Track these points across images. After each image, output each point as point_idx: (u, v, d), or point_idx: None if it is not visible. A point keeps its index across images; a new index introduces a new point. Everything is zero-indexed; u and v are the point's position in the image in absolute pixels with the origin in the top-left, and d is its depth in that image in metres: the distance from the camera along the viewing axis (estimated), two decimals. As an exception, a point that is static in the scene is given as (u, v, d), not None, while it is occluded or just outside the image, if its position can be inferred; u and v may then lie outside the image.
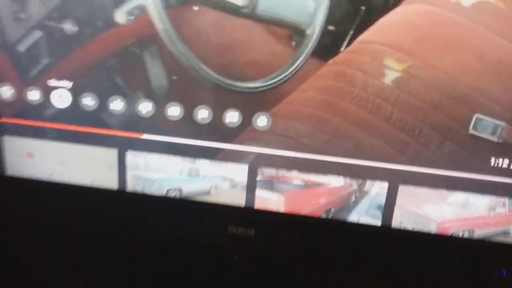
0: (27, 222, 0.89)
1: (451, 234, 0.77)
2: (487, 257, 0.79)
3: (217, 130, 0.76)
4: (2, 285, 0.89)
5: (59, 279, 0.88)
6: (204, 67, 0.72)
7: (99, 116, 0.79)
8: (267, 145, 0.76)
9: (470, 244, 0.77)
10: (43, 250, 0.91)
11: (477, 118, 0.69)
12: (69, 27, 0.74)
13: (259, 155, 0.77)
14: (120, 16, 0.72)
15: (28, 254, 0.91)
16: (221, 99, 0.74)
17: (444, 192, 0.74)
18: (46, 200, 0.86)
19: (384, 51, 0.69)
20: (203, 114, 0.76)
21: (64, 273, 0.88)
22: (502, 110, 0.69)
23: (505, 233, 0.76)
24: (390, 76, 0.70)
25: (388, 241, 0.79)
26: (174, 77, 0.74)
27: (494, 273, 0.79)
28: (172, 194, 0.82)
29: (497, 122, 0.69)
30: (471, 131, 0.70)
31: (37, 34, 0.75)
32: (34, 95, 0.79)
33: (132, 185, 0.82)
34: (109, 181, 0.83)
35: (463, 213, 0.76)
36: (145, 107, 0.77)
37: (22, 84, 0.78)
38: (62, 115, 0.79)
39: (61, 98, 0.78)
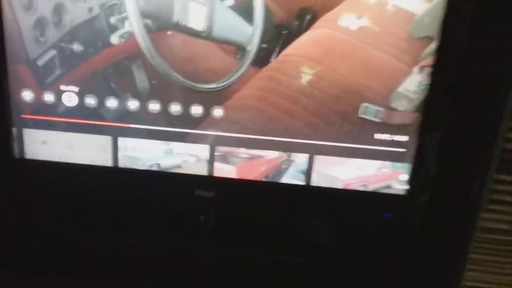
0: (41, 194, 1.13)
1: (352, 189, 1.04)
2: (378, 204, 1.06)
3: (185, 119, 1.01)
4: (18, 247, 1.12)
5: (64, 233, 1.12)
6: (175, 74, 0.98)
7: (97, 112, 1.02)
8: (222, 129, 1.02)
9: (366, 195, 1.04)
10: (53, 214, 1.15)
11: (364, 106, 0.97)
12: (76, 46, 0.98)
13: (216, 136, 1.02)
14: (114, 38, 0.96)
15: (41, 220, 1.15)
16: (188, 96, 1.00)
17: (345, 159, 1.02)
18: (56, 176, 1.10)
19: (300, 61, 0.95)
20: (175, 108, 1.01)
21: (69, 229, 1.12)
22: (381, 100, 0.96)
23: (389, 187, 1.04)
24: (305, 78, 0.96)
25: (308, 195, 1.06)
26: (154, 82, 0.99)
27: (384, 216, 1.06)
28: (152, 168, 1.07)
29: (378, 108, 0.97)
30: (360, 115, 0.97)
31: (52, 52, 0.98)
32: (48, 97, 1.02)
33: (122, 163, 1.07)
34: (105, 160, 1.07)
35: (359, 173, 1.03)
36: (132, 104, 1.01)
37: (39, 89, 1.02)
38: (69, 111, 1.03)
39: (69, 99, 1.02)
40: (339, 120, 0.98)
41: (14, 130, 1.05)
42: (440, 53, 0.90)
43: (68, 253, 1.12)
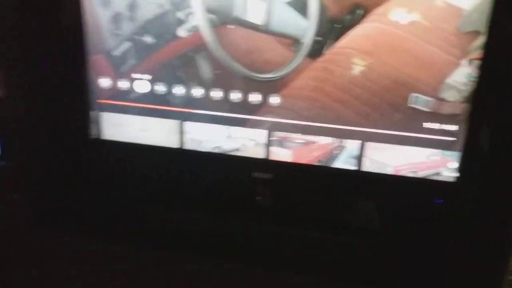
0: (115, 171, 1.24)
1: (402, 175, 1.08)
2: (427, 190, 1.09)
3: (245, 106, 1.09)
4: (94, 219, 1.23)
5: (134, 206, 1.22)
6: (236, 65, 1.05)
7: (166, 98, 1.11)
8: (278, 116, 1.08)
9: (415, 181, 1.08)
10: (125, 190, 1.25)
11: (414, 96, 1.00)
12: (147, 39, 1.07)
13: (273, 123, 1.09)
14: (181, 32, 1.05)
15: (114, 194, 1.26)
16: (248, 85, 1.06)
17: (396, 146, 1.06)
18: (129, 156, 1.20)
19: (353, 53, 1.00)
20: (235, 95, 1.08)
21: (138, 203, 1.22)
22: (431, 90, 0.99)
23: (438, 174, 1.07)
24: (357, 69, 1.00)
25: (359, 179, 1.10)
26: (217, 71, 1.06)
27: (433, 201, 1.09)
28: (214, 150, 1.15)
29: (428, 98, 1.00)
30: (410, 104, 1.01)
31: (127, 44, 1.08)
32: (122, 84, 1.12)
33: (188, 145, 1.16)
34: (172, 142, 1.16)
35: (409, 160, 1.06)
36: (197, 91, 1.10)
37: (115, 77, 1.12)
38: (141, 97, 1.12)
39: (141, 86, 1.11)
40: (389, 109, 1.01)
41: (92, 113, 1.16)
42: (488, 47, 0.92)
43: (137, 225, 1.22)
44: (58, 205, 1.28)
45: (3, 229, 1.26)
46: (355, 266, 1.13)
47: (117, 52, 1.10)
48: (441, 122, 1.02)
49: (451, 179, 1.06)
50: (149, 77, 1.10)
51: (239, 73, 1.05)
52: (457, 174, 1.06)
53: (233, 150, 1.14)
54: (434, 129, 1.02)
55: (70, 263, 1.26)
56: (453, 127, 1.02)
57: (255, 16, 1.00)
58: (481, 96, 0.97)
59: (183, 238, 1.18)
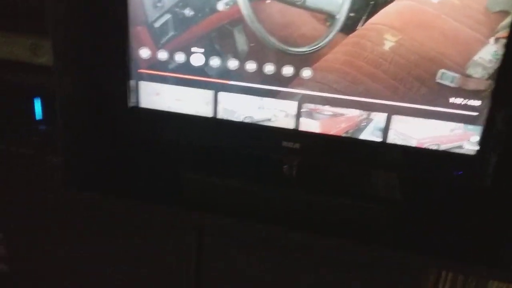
0: (152, 139, 1.28)
1: (425, 147, 1.12)
2: (449, 162, 1.12)
3: (278, 78, 1.12)
4: (132, 183, 1.28)
5: (169, 172, 1.27)
6: (271, 38, 1.09)
7: (203, 69, 1.15)
8: (309, 88, 1.12)
9: (438, 154, 1.11)
10: (161, 156, 1.30)
11: (441, 72, 1.04)
12: (187, 11, 1.10)
13: (304, 95, 1.13)
14: (220, 5, 1.08)
15: (150, 161, 1.30)
16: (281, 58, 1.10)
17: (421, 119, 1.09)
18: (165, 124, 1.24)
19: (384, 29, 1.03)
20: (269, 68, 1.12)
21: (173, 169, 1.27)
22: (457, 67, 1.03)
23: (460, 147, 1.10)
24: (388, 45, 1.04)
25: (385, 151, 1.14)
26: (252, 44, 1.10)
27: (454, 173, 1.13)
28: (246, 120, 1.19)
29: (454, 74, 1.03)
30: (437, 80, 1.04)
31: (167, 16, 1.11)
32: (162, 55, 1.16)
33: (221, 114, 1.20)
34: (207, 112, 1.20)
35: (433, 133, 1.10)
36: (232, 63, 1.13)
37: (155, 48, 1.16)
38: (179, 68, 1.16)
39: (179, 56, 1.15)
40: (417, 84, 1.05)
41: (131, 82, 1.20)
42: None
43: (171, 190, 1.27)
44: (96, 169, 1.33)
45: (43, 192, 1.31)
46: (377, 232, 1.17)
47: (158, 24, 1.13)
48: (465, 98, 1.05)
49: (472, 152, 1.09)
50: (187, 48, 1.13)
51: (274, 47, 1.09)
52: (478, 147, 1.08)
53: (264, 120, 1.17)
54: (458, 104, 1.06)
55: (106, 224, 1.32)
56: (477, 103, 1.05)
57: (293, -9, 1.03)
58: (506, 73, 1.00)
59: (215, 202, 1.22)
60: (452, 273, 1.20)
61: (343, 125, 1.14)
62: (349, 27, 1.04)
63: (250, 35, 1.09)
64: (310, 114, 1.15)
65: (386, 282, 1.18)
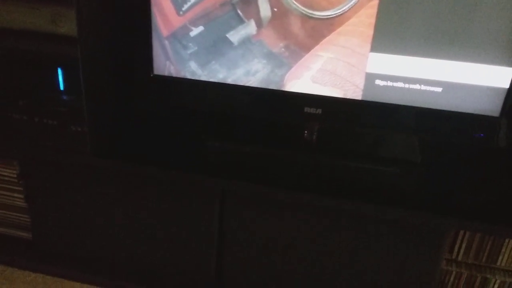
0: (174, 106, 1.24)
1: (445, 109, 1.08)
2: (470, 124, 1.08)
3: (301, 43, 1.08)
4: (155, 149, 1.24)
5: (192, 139, 1.23)
6: (295, 2, 1.03)
7: (225, 36, 1.11)
8: (333, 53, 1.08)
9: (459, 115, 1.07)
10: (187, 124, 1.26)
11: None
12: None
13: (327, 59, 1.08)
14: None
15: (173, 128, 1.26)
16: (305, 23, 1.05)
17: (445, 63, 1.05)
18: (188, 92, 1.20)
19: None
20: (293, 32, 1.07)
21: (196, 136, 1.23)
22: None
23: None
24: None
25: (404, 114, 1.10)
26: (275, 9, 1.05)
27: (475, 135, 1.09)
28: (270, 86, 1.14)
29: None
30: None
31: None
32: (184, 23, 1.11)
33: (242, 80, 1.15)
34: (231, 78, 1.15)
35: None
36: (255, 30, 1.08)
37: (177, 15, 1.10)
38: (201, 35, 1.11)
39: (201, 24, 1.10)
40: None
41: (154, 50, 1.15)
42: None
43: (195, 157, 1.24)
44: (118, 138, 1.29)
45: (69, 161, 1.27)
46: (398, 194, 1.14)
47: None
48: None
49: (495, 114, 1.05)
50: (208, 16, 1.08)
51: (297, 11, 1.04)
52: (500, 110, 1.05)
53: (285, 86, 1.13)
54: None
55: (131, 191, 1.29)
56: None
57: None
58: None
59: (237, 168, 1.19)
60: (469, 232, 1.17)
61: (366, 89, 1.08)
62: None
63: (274, 0, 1.03)
64: (332, 80, 1.09)
65: (406, 243, 1.16)
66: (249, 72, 1.13)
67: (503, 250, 1.16)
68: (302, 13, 1.04)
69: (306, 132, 1.22)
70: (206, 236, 1.28)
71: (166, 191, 1.26)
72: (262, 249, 1.27)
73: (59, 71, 1.24)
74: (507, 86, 1.02)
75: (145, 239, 1.35)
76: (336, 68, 1.08)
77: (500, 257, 1.17)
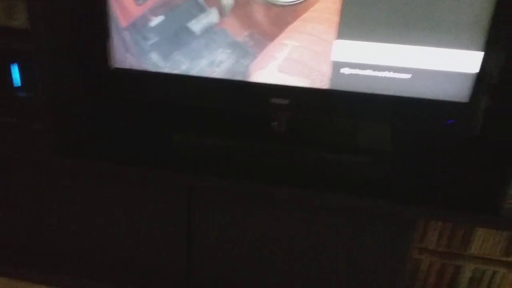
0: (136, 100, 1.17)
1: (415, 96, 1.04)
2: (440, 111, 1.05)
3: (266, 32, 1.02)
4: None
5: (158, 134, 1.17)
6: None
7: (186, 26, 1.04)
8: (298, 41, 1.02)
9: (430, 102, 1.03)
10: (150, 118, 1.20)
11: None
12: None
13: (293, 47, 1.03)
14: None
15: (136, 122, 1.20)
16: (269, 10, 1.00)
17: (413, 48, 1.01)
18: (149, 84, 1.13)
19: None
20: (257, 20, 1.01)
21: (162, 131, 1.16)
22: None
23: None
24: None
25: (373, 102, 1.06)
26: (238, -3, 1.00)
27: (445, 122, 1.06)
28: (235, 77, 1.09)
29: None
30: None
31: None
32: (143, 13, 1.04)
33: (206, 71, 1.09)
34: (194, 70, 1.09)
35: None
36: (217, 18, 1.02)
37: (135, 5, 1.03)
38: (161, 26, 1.05)
39: (160, 14, 1.03)
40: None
41: (112, 43, 1.08)
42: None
43: (161, 152, 1.18)
44: (80, 134, 1.22)
45: (27, 158, 1.20)
46: (369, 183, 1.10)
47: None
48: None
49: (464, 100, 1.01)
50: (168, 4, 1.01)
51: (260, -2, 0.98)
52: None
53: (251, 76, 1.07)
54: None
55: (94, 188, 1.22)
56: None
57: None
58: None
59: (205, 162, 1.13)
60: (439, 221, 1.14)
61: (333, 78, 1.04)
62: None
63: (235, -13, 0.97)
64: (298, 69, 1.04)
65: (376, 232, 1.12)
66: (213, 63, 1.07)
67: (474, 237, 1.13)
68: (266, 0, 0.98)
69: (274, 123, 1.17)
70: (175, 232, 1.22)
71: (132, 188, 1.20)
72: (232, 244, 1.22)
73: (15, 67, 1.16)
74: (475, 71, 0.99)
75: (114, 237, 1.28)
76: (302, 57, 1.03)
77: (472, 245, 1.14)
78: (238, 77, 1.08)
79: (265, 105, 1.10)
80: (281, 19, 1.00)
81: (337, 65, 1.03)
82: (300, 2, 0.97)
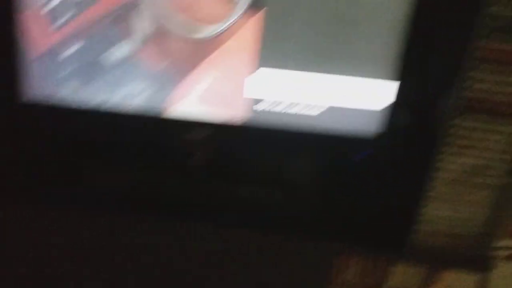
0: (46, 133, 1.10)
1: (326, 130, 1.05)
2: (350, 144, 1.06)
3: (182, 64, 1.00)
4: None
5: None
6: (173, 21, 0.96)
7: (98, 59, 1.00)
8: (218, 72, 1.01)
9: (338, 136, 1.04)
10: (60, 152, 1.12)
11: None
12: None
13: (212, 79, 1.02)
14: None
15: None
16: (185, 43, 0.98)
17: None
18: (61, 118, 1.07)
19: None
20: (171, 54, 0.99)
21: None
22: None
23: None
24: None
25: (285, 137, 1.05)
26: (155, 27, 0.97)
27: (356, 157, 1.07)
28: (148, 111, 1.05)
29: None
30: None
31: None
32: (55, 42, 0.99)
33: (119, 105, 1.05)
34: (108, 102, 1.05)
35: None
36: (129, 50, 0.99)
37: (47, 35, 0.98)
38: (74, 57, 1.00)
39: (73, 44, 0.99)
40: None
41: (23, 73, 1.01)
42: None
43: (72, 185, 1.11)
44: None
45: None
46: (283, 218, 1.09)
47: (47, 8, 0.96)
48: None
49: (377, 132, 1.04)
50: (81, 35, 0.97)
51: (179, 28, 0.96)
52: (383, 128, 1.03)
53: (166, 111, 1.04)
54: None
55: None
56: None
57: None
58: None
59: (118, 197, 1.07)
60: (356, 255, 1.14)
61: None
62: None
63: (150, 19, 0.96)
64: (216, 102, 1.02)
65: (292, 269, 1.10)
66: (130, 95, 1.03)
67: (395, 269, 1.14)
68: (183, 30, 0.96)
69: (192, 157, 1.14)
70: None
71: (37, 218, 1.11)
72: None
73: None
74: (383, 104, 1.01)
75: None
76: (221, 90, 1.02)
77: (394, 276, 1.14)
78: (155, 110, 1.04)
79: (183, 139, 1.07)
80: (199, 51, 0.99)
81: (255, 99, 1.02)
82: (217, 35, 0.96)
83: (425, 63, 0.97)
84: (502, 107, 0.98)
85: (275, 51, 0.98)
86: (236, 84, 1.02)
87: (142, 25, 0.97)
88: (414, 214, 1.10)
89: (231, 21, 0.95)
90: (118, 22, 0.97)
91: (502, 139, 1.02)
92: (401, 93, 0.99)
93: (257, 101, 1.03)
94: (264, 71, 1.00)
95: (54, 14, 0.96)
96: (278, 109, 1.03)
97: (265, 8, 0.93)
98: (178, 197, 1.11)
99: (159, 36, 0.97)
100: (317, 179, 1.17)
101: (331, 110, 1.03)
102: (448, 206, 1.10)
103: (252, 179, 1.15)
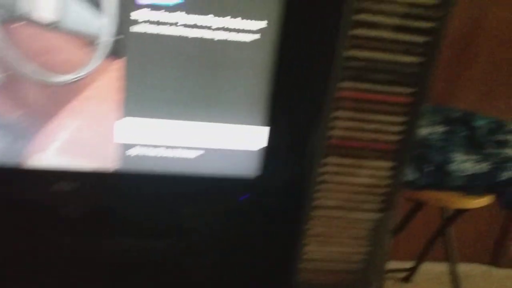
0: None
1: (206, 173, 1.01)
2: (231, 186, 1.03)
3: (42, 112, 0.92)
4: None
5: None
6: (29, 66, 0.88)
7: None
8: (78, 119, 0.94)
9: (218, 179, 1.02)
10: None
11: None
12: None
13: (75, 127, 0.94)
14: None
15: None
16: (44, 89, 0.90)
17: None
18: None
19: None
20: (28, 100, 0.91)
21: None
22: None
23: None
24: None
25: (165, 183, 1.01)
26: (7, 73, 0.88)
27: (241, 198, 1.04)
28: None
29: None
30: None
31: None
32: None
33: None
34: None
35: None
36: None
37: None
38: None
39: None
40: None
41: None
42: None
43: None
44: None
45: None
46: (165, 272, 1.03)
47: None
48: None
49: (255, 174, 1.02)
50: None
51: (32, 75, 0.88)
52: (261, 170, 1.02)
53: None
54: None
55: None
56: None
57: (43, 13, 0.84)
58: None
59: None
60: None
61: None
62: (119, 50, 0.88)
63: (3, 63, 0.87)
64: (81, 151, 0.95)
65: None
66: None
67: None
68: (38, 77, 0.89)
69: (62, 210, 1.04)
70: None
71: None
72: None
73: None
74: (262, 145, 1.00)
75: None
76: (85, 137, 0.95)
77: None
78: (13, 162, 0.94)
79: (47, 192, 0.98)
80: (59, 97, 0.91)
81: (122, 145, 0.96)
82: (77, 80, 0.90)
83: (292, 108, 0.98)
84: (368, 144, 1.01)
85: (140, 100, 0.93)
86: (103, 131, 0.95)
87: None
88: (296, 253, 1.09)
89: (88, 69, 0.89)
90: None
91: (373, 174, 1.04)
92: (273, 137, 0.98)
93: (130, 146, 0.97)
94: (130, 120, 0.94)
95: None
96: (153, 153, 0.98)
97: (125, 57, 0.89)
98: (49, 256, 1.02)
99: (13, 80, 0.89)
100: (200, 224, 1.13)
101: (208, 152, 1.00)
102: (328, 242, 1.10)
103: (138, 230, 1.08)
